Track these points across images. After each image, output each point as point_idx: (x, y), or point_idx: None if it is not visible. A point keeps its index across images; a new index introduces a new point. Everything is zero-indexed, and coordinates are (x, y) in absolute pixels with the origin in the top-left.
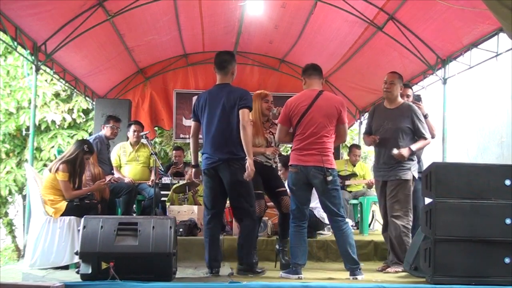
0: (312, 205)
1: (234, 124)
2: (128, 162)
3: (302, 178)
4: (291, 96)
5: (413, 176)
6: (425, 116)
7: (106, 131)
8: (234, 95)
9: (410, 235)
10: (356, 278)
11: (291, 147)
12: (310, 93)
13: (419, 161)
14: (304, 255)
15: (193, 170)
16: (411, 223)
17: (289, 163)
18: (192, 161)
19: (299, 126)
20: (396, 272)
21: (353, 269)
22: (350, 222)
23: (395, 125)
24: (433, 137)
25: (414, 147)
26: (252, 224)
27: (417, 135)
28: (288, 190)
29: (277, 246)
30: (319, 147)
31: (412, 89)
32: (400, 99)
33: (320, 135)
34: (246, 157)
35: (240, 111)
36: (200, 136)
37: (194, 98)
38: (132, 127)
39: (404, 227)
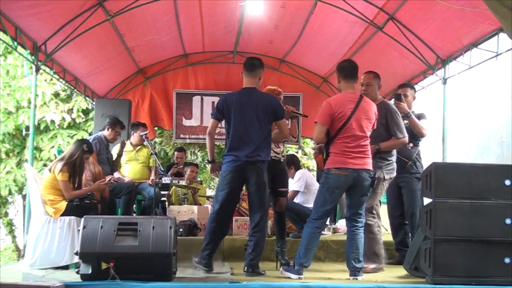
0: (312, 205)
1: (266, 130)
2: (127, 161)
3: (349, 182)
4: (291, 96)
5: (384, 176)
6: (407, 115)
7: (108, 133)
8: (266, 103)
9: (376, 229)
10: (357, 279)
11: (326, 150)
12: (353, 95)
13: (419, 160)
14: (311, 258)
15: (210, 165)
16: (375, 219)
17: (335, 166)
18: (209, 157)
19: (345, 128)
20: (365, 268)
21: (357, 268)
22: None
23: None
24: (422, 136)
25: (383, 145)
26: (262, 232)
27: (391, 133)
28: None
29: (276, 248)
30: (366, 150)
31: (411, 88)
32: (379, 97)
33: (365, 138)
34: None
35: (281, 123)
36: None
37: (194, 98)
38: (141, 129)
39: (366, 224)
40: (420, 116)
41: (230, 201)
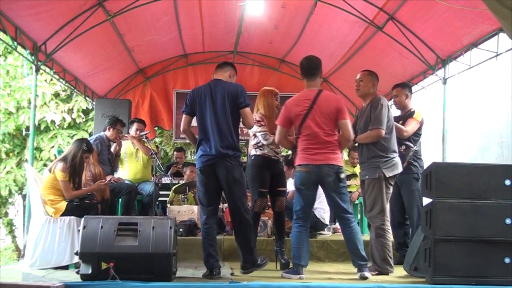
0: None
1: (231, 119)
2: (128, 159)
3: (312, 178)
4: (291, 96)
5: (384, 175)
6: None
7: (110, 133)
8: (229, 90)
9: (388, 235)
10: (364, 274)
11: (294, 149)
12: (309, 93)
13: (417, 160)
14: (306, 256)
15: None
16: (386, 223)
17: (298, 163)
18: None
19: (303, 127)
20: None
21: (362, 265)
22: None
23: (364, 122)
24: (402, 138)
25: (358, 138)
26: (246, 222)
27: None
28: (289, 190)
29: (275, 247)
30: (328, 145)
31: (403, 88)
32: (371, 92)
33: (326, 133)
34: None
35: (242, 112)
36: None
37: None
38: (135, 126)
39: (378, 228)
40: (409, 115)
41: (211, 202)
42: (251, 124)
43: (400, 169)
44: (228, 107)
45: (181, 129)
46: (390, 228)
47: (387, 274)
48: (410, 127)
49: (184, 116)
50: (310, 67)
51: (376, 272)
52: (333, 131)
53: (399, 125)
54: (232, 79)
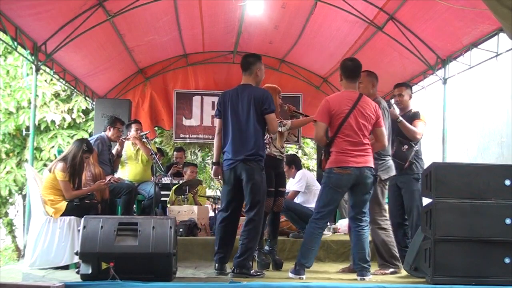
0: (312, 205)
1: (255, 124)
2: (128, 161)
3: (351, 180)
4: (291, 96)
5: (380, 177)
6: (397, 121)
7: (112, 133)
8: (255, 96)
9: (390, 233)
10: (364, 279)
11: (326, 150)
12: (351, 94)
13: (418, 160)
14: (313, 257)
15: (214, 167)
16: (386, 221)
17: (337, 165)
18: (214, 158)
19: (343, 127)
20: (384, 274)
21: (364, 268)
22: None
23: None
24: (415, 140)
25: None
26: (253, 225)
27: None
28: (289, 190)
29: (266, 248)
30: (366, 148)
31: (406, 87)
32: (372, 93)
33: (365, 136)
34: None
35: (268, 118)
36: None
37: (194, 98)
38: (134, 126)
39: (380, 228)
40: (414, 116)
41: (231, 204)
42: (276, 129)
43: (394, 171)
44: (254, 113)
45: (216, 132)
46: (390, 226)
47: (397, 269)
48: (420, 129)
49: (217, 120)
50: (355, 69)
51: (385, 270)
52: (369, 135)
53: (412, 127)
54: (260, 74)
